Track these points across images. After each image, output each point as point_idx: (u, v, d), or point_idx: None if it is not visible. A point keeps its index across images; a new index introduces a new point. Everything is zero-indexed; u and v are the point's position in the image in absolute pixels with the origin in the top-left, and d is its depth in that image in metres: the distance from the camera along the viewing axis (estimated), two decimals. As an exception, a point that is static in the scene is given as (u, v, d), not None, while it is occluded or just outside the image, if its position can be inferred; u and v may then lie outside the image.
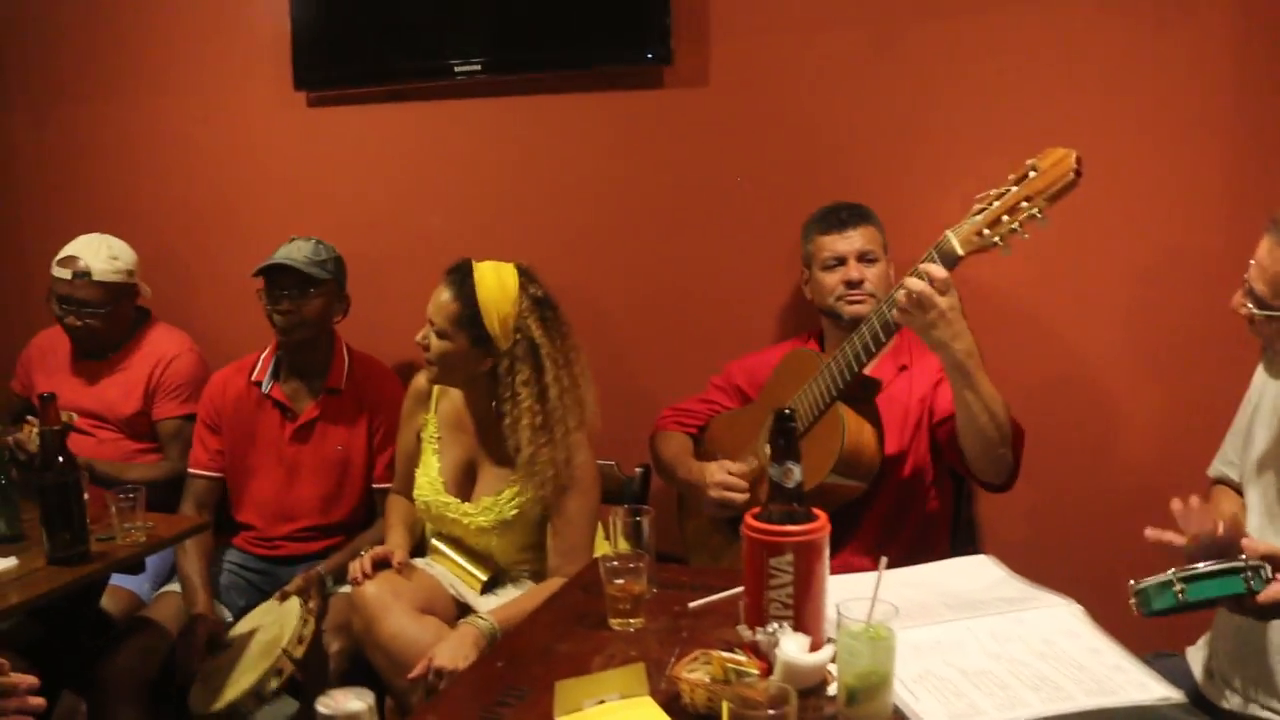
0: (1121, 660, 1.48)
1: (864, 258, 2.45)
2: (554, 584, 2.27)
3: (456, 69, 3.07)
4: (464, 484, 2.46)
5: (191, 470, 2.90)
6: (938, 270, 1.96)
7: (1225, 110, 2.48)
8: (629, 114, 2.98)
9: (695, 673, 1.47)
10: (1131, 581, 1.52)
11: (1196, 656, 1.93)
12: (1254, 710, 1.75)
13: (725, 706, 1.24)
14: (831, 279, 2.45)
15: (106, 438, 3.05)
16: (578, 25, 2.95)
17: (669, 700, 1.46)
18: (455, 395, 2.49)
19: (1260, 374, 1.87)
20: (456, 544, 2.48)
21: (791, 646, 1.38)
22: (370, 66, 3.21)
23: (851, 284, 2.42)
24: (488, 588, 2.43)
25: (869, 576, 1.42)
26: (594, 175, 3.05)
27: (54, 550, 2.20)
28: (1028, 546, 2.64)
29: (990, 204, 1.95)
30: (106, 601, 2.68)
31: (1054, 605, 1.65)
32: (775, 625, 1.45)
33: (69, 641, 2.50)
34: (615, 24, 2.92)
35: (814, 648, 1.41)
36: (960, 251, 1.96)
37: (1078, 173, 1.87)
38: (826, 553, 1.49)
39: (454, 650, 2.13)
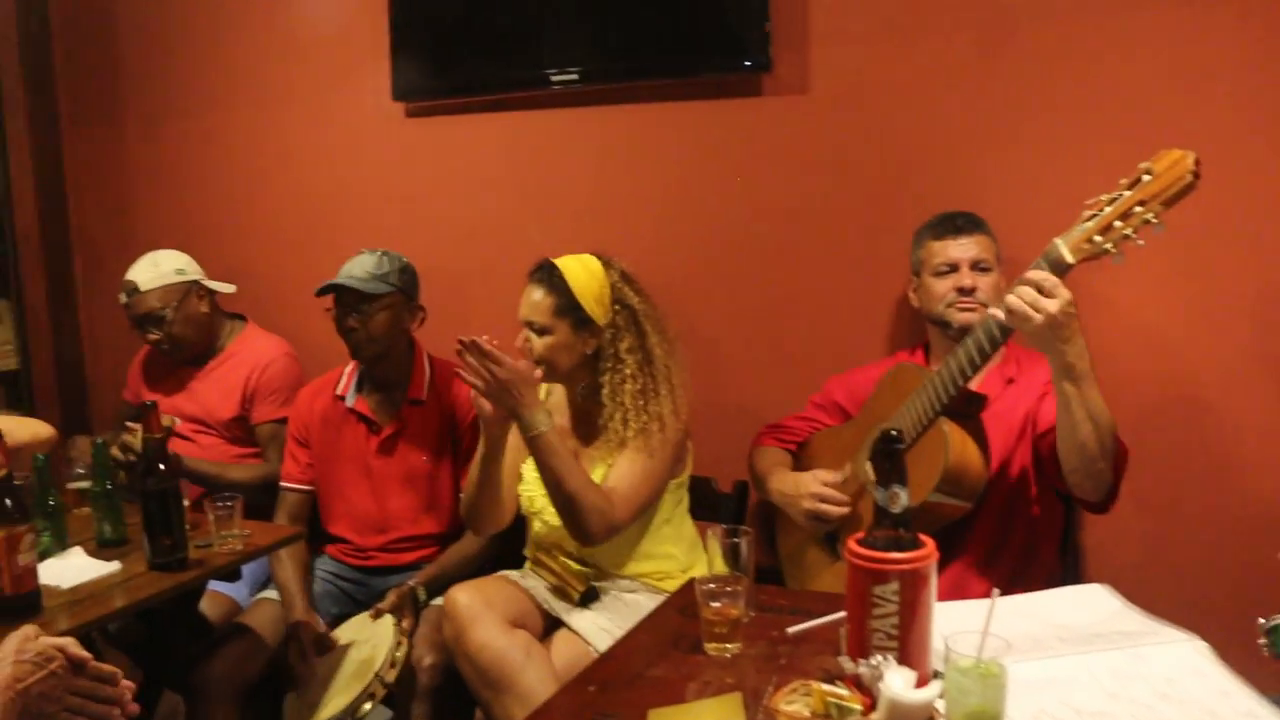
0: (1255, 706, 1.38)
1: (977, 265, 2.37)
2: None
3: (553, 78, 3.05)
4: None
5: (283, 484, 2.92)
6: (1046, 275, 1.87)
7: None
8: (726, 123, 2.93)
9: (794, 705, 1.41)
10: (1261, 620, 1.43)
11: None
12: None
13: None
14: (943, 285, 2.38)
15: (207, 443, 3.10)
16: (675, 33, 2.91)
17: (766, 733, 1.42)
18: (554, 394, 2.51)
19: None
20: (555, 553, 2.46)
21: (897, 682, 1.31)
22: (467, 77, 3.22)
23: (964, 291, 2.34)
24: (586, 600, 2.41)
25: (977, 605, 1.36)
26: (691, 185, 3.00)
27: (154, 555, 2.25)
28: (1141, 574, 2.51)
29: (1102, 209, 1.86)
30: (205, 606, 2.72)
31: (1177, 641, 1.55)
32: (879, 657, 1.39)
33: (170, 643, 2.55)
34: (713, 31, 2.87)
35: (920, 683, 1.34)
36: (1070, 259, 1.87)
37: (1196, 175, 1.78)
38: (934, 582, 1.43)
39: None
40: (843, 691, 1.37)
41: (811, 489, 2.36)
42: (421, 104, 3.31)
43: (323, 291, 2.76)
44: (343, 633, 2.65)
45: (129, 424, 2.74)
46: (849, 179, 2.81)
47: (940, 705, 1.32)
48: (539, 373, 2.33)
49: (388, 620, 2.54)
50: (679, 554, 2.47)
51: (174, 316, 3.06)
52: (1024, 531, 2.31)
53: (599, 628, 2.33)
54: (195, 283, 3.13)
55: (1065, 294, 1.86)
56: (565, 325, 2.35)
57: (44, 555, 2.29)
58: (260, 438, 3.11)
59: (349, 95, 3.43)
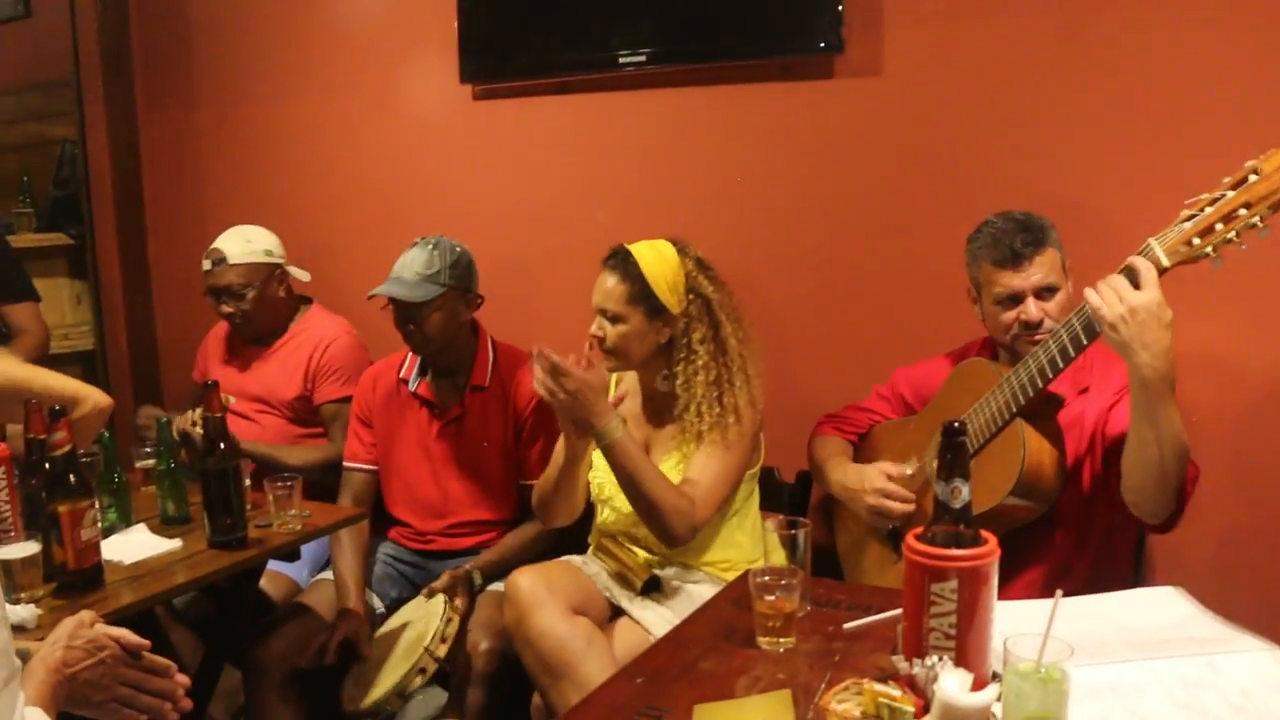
0: (1337, 721, 1.31)
1: (1043, 291, 2.17)
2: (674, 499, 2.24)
3: (622, 60, 3.02)
4: None
5: (347, 464, 2.93)
6: (1143, 262, 1.78)
7: None
8: (798, 105, 2.87)
9: (845, 704, 1.36)
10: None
11: None
12: None
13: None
14: (1007, 316, 2.19)
15: (270, 423, 3.13)
16: (745, 13, 2.86)
17: (816, 731, 1.37)
18: (626, 381, 2.50)
19: None
20: (621, 540, 2.45)
21: (952, 684, 1.26)
22: (535, 59, 3.20)
23: (1030, 325, 2.16)
24: (648, 588, 2.39)
25: (1040, 606, 1.30)
26: (760, 168, 2.95)
27: (214, 534, 2.27)
28: (1217, 577, 2.43)
29: (1202, 210, 1.76)
30: (265, 585, 2.76)
31: (1254, 650, 1.47)
32: (935, 658, 1.34)
33: (233, 620, 2.57)
34: (784, 12, 2.81)
35: (977, 686, 1.28)
36: (1166, 262, 1.78)
37: None
38: (994, 581, 1.37)
39: None
40: (895, 692, 1.32)
41: (876, 484, 2.29)
42: (489, 86, 3.30)
43: (374, 295, 2.75)
44: (398, 616, 2.66)
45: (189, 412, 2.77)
46: (922, 165, 2.73)
47: (997, 710, 1.27)
48: (608, 365, 2.33)
49: (439, 599, 2.54)
50: (747, 545, 2.43)
51: (252, 296, 3.09)
52: (1096, 539, 2.22)
53: (661, 618, 2.31)
54: (279, 266, 3.16)
55: (1154, 293, 1.76)
56: (639, 314, 2.33)
57: (109, 531, 2.33)
58: (323, 418, 3.13)
59: (417, 79, 3.45)
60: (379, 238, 3.53)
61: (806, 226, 2.91)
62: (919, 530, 1.41)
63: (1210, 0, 2.36)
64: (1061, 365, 1.97)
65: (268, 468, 2.78)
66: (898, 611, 1.51)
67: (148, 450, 2.67)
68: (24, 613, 1.86)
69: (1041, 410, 2.07)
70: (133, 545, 2.26)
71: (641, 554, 2.43)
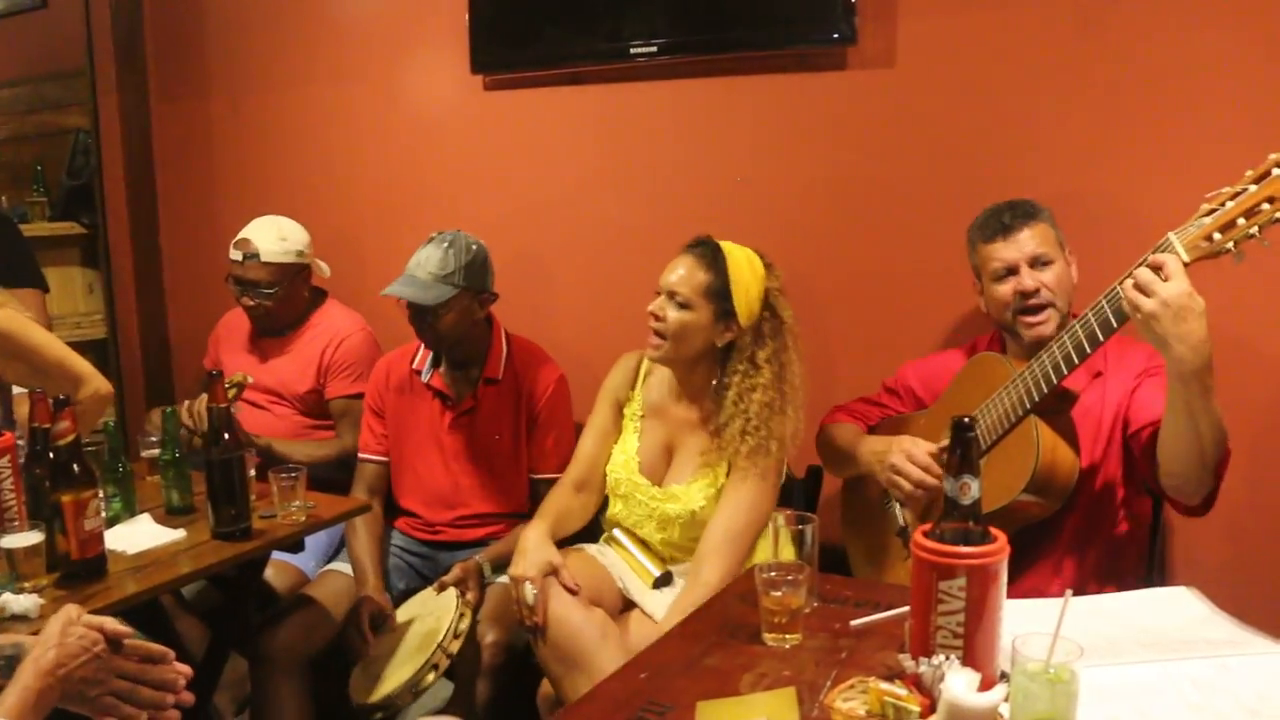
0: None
1: (1037, 262, 2.18)
2: (696, 595, 2.20)
3: (634, 51, 3.00)
4: (658, 468, 2.45)
5: (361, 455, 2.92)
6: (1170, 258, 1.74)
7: None
8: (811, 96, 2.84)
9: (850, 703, 1.34)
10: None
11: None
12: None
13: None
14: (1004, 290, 2.20)
15: (282, 413, 3.12)
16: (758, 4, 2.84)
17: (820, 730, 1.35)
18: (662, 377, 2.47)
19: None
20: (635, 534, 2.45)
21: (958, 684, 1.23)
22: (547, 49, 3.18)
23: (1026, 294, 2.17)
24: (660, 584, 2.39)
25: (1050, 605, 1.28)
26: (773, 160, 2.92)
27: (218, 525, 2.26)
28: (1232, 578, 2.39)
29: (1223, 204, 1.72)
30: (272, 576, 2.75)
31: (1269, 653, 1.45)
32: (942, 657, 1.32)
33: (239, 609, 2.57)
34: (797, 3, 2.79)
35: (984, 686, 1.25)
36: (1186, 258, 1.73)
37: None
38: (1004, 579, 1.34)
39: None
40: (901, 691, 1.30)
41: (904, 444, 2.22)
42: (500, 77, 3.29)
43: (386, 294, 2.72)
44: (407, 608, 2.65)
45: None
46: (935, 156, 2.70)
47: (1005, 710, 1.25)
48: (658, 351, 2.32)
49: (451, 593, 2.53)
50: (763, 545, 2.40)
51: (278, 294, 3.06)
52: (1109, 533, 2.19)
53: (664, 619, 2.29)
54: (307, 265, 3.14)
55: (1183, 283, 1.72)
56: (709, 309, 2.31)
57: (114, 521, 2.33)
58: (333, 412, 3.12)
59: (428, 69, 3.43)
60: (391, 228, 3.53)
61: (820, 218, 2.88)
62: (927, 527, 1.39)
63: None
64: (1077, 361, 1.93)
65: (274, 460, 2.77)
66: (906, 609, 1.48)
67: (153, 440, 2.66)
68: (26, 602, 1.85)
69: (1055, 406, 2.04)
70: (137, 535, 2.24)
71: (652, 555, 2.44)
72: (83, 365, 2.53)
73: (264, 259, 3.02)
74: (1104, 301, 1.86)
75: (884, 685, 1.31)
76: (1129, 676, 1.39)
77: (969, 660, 1.32)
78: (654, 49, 2.98)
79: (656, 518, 2.40)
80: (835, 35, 2.72)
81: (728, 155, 2.98)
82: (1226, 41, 2.33)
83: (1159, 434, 1.94)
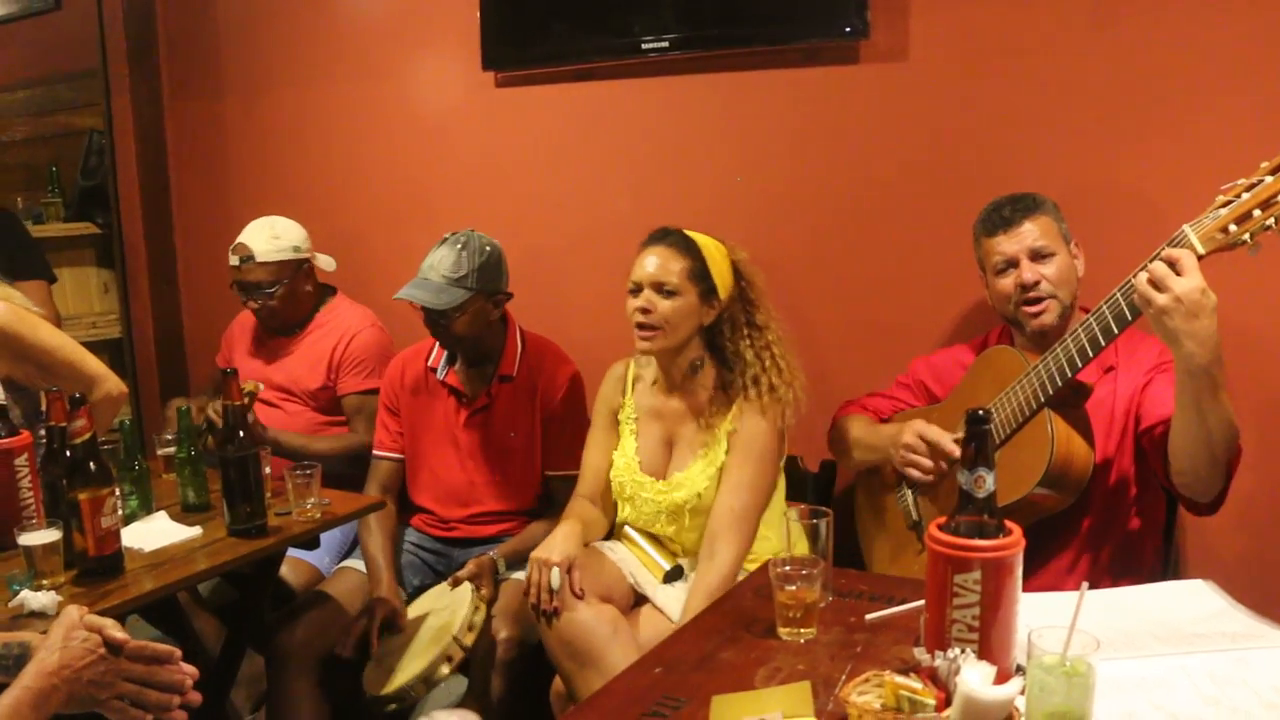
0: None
1: (1038, 255, 2.18)
2: (714, 576, 2.23)
3: (645, 46, 3.00)
4: (659, 464, 2.45)
5: (375, 452, 2.92)
6: (1184, 253, 1.73)
7: None
8: (823, 91, 2.84)
9: (865, 696, 1.34)
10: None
11: None
12: None
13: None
14: (1006, 284, 2.21)
15: (294, 410, 3.13)
16: (769, -1, 2.83)
17: (835, 724, 1.35)
18: (649, 379, 2.49)
19: None
20: (646, 529, 2.45)
21: (974, 677, 1.23)
22: (558, 46, 3.18)
23: (1027, 286, 2.17)
24: (670, 578, 2.39)
25: (1066, 598, 1.27)
26: (784, 155, 2.92)
27: (233, 522, 2.27)
28: (1249, 570, 2.38)
29: (1239, 196, 1.71)
30: (287, 573, 2.76)
31: (1287, 645, 1.45)
32: (957, 650, 1.31)
33: (255, 606, 2.58)
34: (809, -4, 2.78)
35: (1000, 679, 1.25)
36: (1201, 250, 1.73)
37: None
38: (1019, 572, 1.34)
39: None
40: (916, 685, 1.29)
41: (918, 426, 2.23)
42: (512, 73, 3.29)
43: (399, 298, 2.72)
44: (421, 602, 2.66)
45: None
46: (948, 151, 2.69)
47: (1020, 704, 1.24)
48: (653, 343, 2.33)
49: (466, 587, 2.53)
50: (773, 536, 2.41)
51: (280, 292, 3.07)
52: (1124, 527, 2.18)
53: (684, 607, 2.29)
54: (306, 260, 3.15)
55: (1197, 279, 1.71)
56: (694, 290, 2.32)
57: (130, 519, 2.34)
58: (346, 409, 3.13)
59: (440, 65, 3.44)
60: (403, 225, 3.54)
61: (830, 213, 2.88)
62: (942, 520, 1.38)
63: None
64: (1092, 354, 1.93)
65: (289, 457, 2.78)
66: (921, 603, 1.48)
67: (169, 438, 2.67)
68: (44, 599, 1.87)
69: (1070, 399, 2.04)
70: (153, 532, 2.26)
71: (662, 550, 2.44)
72: (96, 366, 2.54)
73: (260, 259, 3.03)
74: (1119, 295, 1.86)
75: (899, 679, 1.31)
76: (1146, 670, 1.39)
77: (984, 654, 1.31)
78: (665, 44, 2.98)
79: (666, 511, 2.40)
80: (848, 29, 2.72)
81: (740, 150, 2.98)
82: (1241, 33, 2.32)
83: (1171, 430, 1.93)
